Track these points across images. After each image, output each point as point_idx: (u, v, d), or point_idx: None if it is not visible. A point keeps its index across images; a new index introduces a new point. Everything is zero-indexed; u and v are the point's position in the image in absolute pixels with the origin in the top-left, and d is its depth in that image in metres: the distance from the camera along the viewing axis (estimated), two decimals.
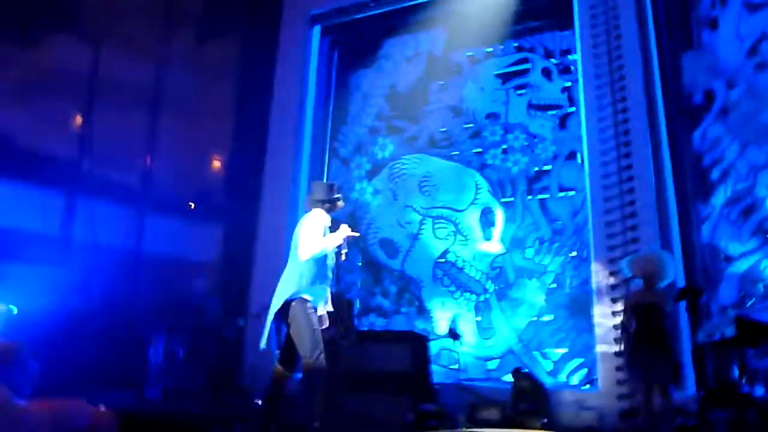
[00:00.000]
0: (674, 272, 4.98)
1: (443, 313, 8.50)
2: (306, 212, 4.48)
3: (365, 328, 8.39)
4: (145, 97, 8.93)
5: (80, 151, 8.12)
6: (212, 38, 9.80)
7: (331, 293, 6.64)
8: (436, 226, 8.91)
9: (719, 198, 7.06)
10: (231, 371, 8.12)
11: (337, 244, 4.30)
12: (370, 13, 9.71)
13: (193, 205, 9.17)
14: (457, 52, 9.42)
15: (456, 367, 7.05)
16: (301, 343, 4.05)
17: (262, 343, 4.17)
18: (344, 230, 4.35)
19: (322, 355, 4.07)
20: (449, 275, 8.63)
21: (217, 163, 9.93)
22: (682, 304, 5.66)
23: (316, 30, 10.10)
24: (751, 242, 6.75)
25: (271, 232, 9.25)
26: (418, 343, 6.94)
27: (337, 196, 4.58)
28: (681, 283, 6.67)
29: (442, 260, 8.74)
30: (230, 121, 9.82)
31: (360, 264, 9.37)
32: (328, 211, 4.49)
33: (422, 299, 8.72)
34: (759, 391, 4.33)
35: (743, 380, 4.70)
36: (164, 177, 9.09)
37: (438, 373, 7.68)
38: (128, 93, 8.50)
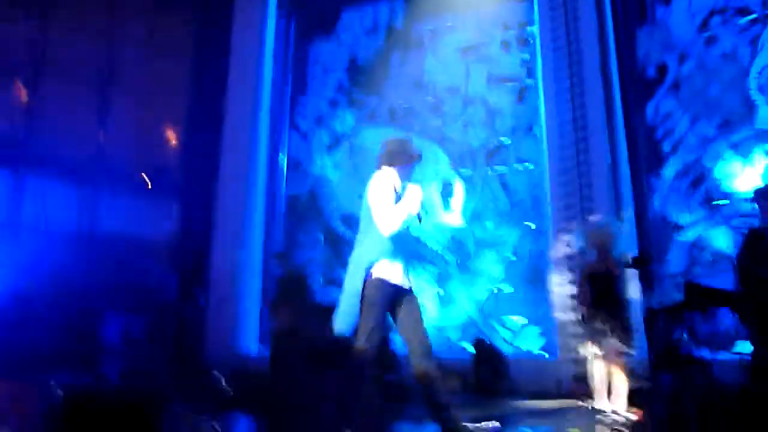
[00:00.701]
0: (626, 241, 5.12)
1: None
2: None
3: (326, 303, 8.39)
4: (96, 73, 8.59)
5: (27, 129, 7.78)
6: (165, 11, 9.44)
7: (289, 271, 6.68)
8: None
9: (670, 170, 7.29)
10: (191, 351, 8.04)
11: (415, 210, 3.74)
12: None
13: (149, 182, 8.94)
14: (418, 25, 9.33)
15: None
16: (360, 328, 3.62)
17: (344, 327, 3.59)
18: (417, 192, 3.83)
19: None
20: (411, 248, 8.67)
21: (172, 139, 9.67)
22: (635, 272, 5.84)
23: (272, 0, 9.85)
24: (699, 212, 7.02)
25: (229, 206, 9.12)
26: None
27: (409, 151, 4.00)
28: (633, 251, 6.90)
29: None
30: (185, 95, 9.54)
31: (321, 239, 9.34)
32: (401, 167, 3.91)
33: None
34: (704, 353, 4.52)
35: (691, 343, 4.89)
36: (117, 154, 8.82)
37: (398, 345, 7.77)
38: (78, 69, 8.16)
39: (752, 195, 4.32)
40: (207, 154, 9.19)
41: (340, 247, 9.15)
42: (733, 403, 3.61)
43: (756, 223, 4.32)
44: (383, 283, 3.55)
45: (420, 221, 3.79)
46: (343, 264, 8.89)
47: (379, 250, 3.57)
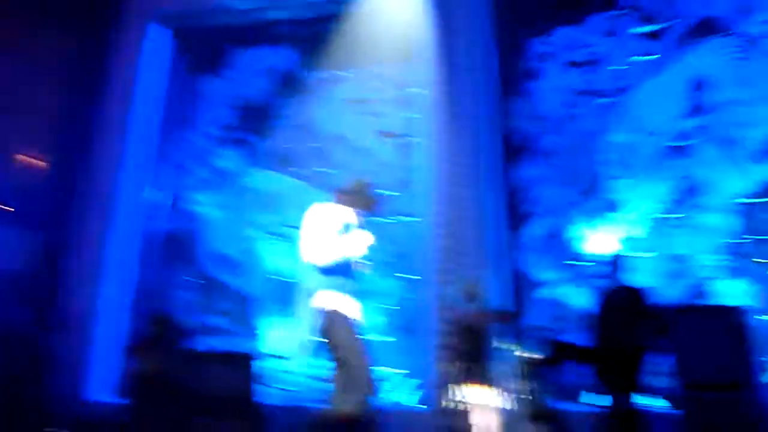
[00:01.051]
0: (494, 296, 5.44)
1: (283, 333, 8.35)
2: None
3: (200, 349, 7.93)
4: None
5: None
6: (40, 29, 8.72)
7: (159, 313, 6.26)
8: (277, 243, 8.78)
9: (533, 230, 7.92)
10: (33, 397, 7.14)
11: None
12: (220, 21, 9.40)
13: (8, 208, 8.02)
14: (310, 72, 9.46)
15: (294, 388, 6.96)
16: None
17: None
18: (369, 238, 3.73)
19: None
20: (292, 295, 8.52)
21: (37, 164, 8.80)
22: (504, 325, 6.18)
23: (158, 30, 9.47)
24: (557, 272, 7.65)
25: (89, 240, 8.41)
26: (254, 364, 6.72)
27: (374, 200, 3.93)
28: (502, 305, 7.33)
29: (284, 279, 8.62)
30: (55, 119, 8.78)
31: (196, 281, 8.88)
32: (353, 206, 3.80)
33: (262, 319, 8.49)
34: (563, 405, 4.84)
35: (551, 395, 5.20)
36: None
37: (274, 396, 7.51)
38: None
39: (607, 258, 4.81)
40: (74, 182, 8.45)
41: (214, 291, 8.75)
42: None
43: (606, 283, 4.79)
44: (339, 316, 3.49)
45: (368, 271, 3.79)
46: (220, 308, 8.58)
47: (318, 281, 3.41)
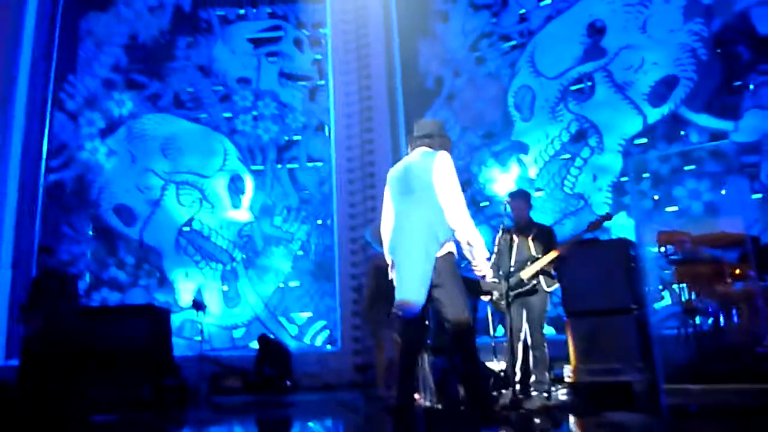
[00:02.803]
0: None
1: (187, 284, 8.12)
2: (420, 152, 3.32)
3: (96, 304, 7.59)
4: None
5: None
6: None
7: (46, 269, 5.86)
8: (181, 192, 8.41)
9: None
10: None
11: None
12: None
13: None
14: (207, 10, 8.89)
15: (200, 338, 6.82)
16: (453, 302, 3.03)
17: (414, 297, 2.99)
18: None
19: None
20: (194, 244, 8.25)
21: None
22: None
23: None
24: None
25: None
26: (158, 316, 6.52)
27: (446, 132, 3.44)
28: None
29: (187, 228, 8.31)
30: None
31: (91, 233, 8.39)
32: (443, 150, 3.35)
33: (164, 270, 8.19)
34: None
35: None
36: None
37: (180, 346, 7.35)
38: None
39: (505, 197, 4.92)
40: None
41: (113, 242, 8.31)
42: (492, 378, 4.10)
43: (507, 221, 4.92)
44: (454, 259, 3.16)
45: None
46: (118, 261, 8.17)
47: (449, 230, 3.08)
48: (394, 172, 3.36)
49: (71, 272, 6.43)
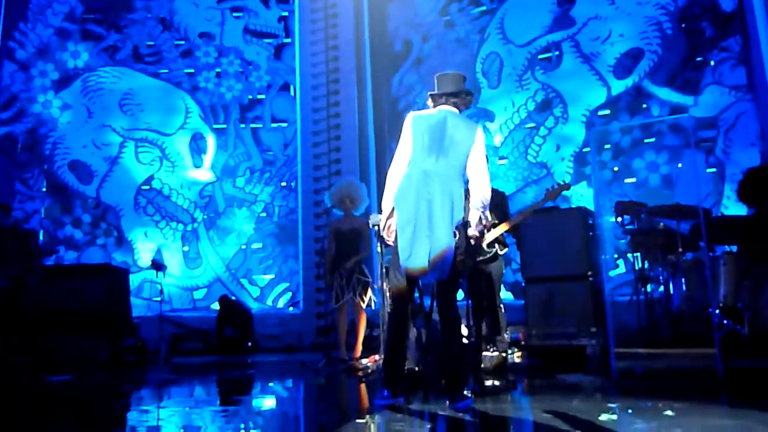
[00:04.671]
0: (368, 200, 5.44)
1: (146, 244, 7.97)
2: (452, 112, 3.06)
3: (51, 263, 7.37)
4: None
5: None
6: None
7: (5, 228, 5.67)
8: (140, 149, 8.17)
9: None
10: None
11: None
12: None
13: None
14: None
15: (159, 299, 6.74)
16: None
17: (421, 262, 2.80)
18: None
19: None
20: (154, 204, 8.07)
21: None
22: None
23: None
24: None
25: None
26: (115, 276, 6.40)
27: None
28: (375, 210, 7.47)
29: (146, 187, 8.11)
30: None
31: (44, 189, 8.10)
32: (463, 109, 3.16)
33: (122, 229, 8.01)
34: (426, 302, 5.06)
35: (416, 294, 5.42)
36: None
37: (139, 307, 7.25)
38: None
39: None
40: None
41: (69, 200, 8.06)
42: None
43: None
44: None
45: None
46: (74, 219, 7.93)
47: (461, 210, 2.96)
48: (426, 122, 3.07)
49: (27, 230, 6.20)
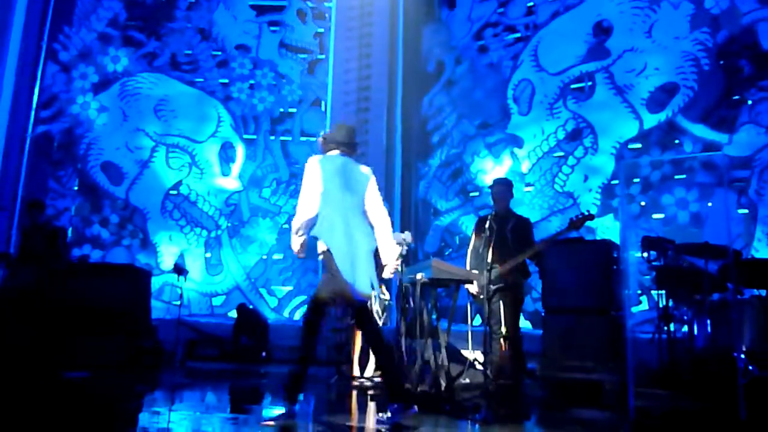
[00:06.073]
0: (389, 220, 5.44)
1: (170, 248, 8.08)
2: (346, 158, 3.55)
3: (81, 262, 7.51)
4: None
5: None
6: None
7: (38, 224, 5.83)
8: (171, 155, 8.33)
9: (436, 160, 8.03)
10: None
11: None
12: None
13: None
14: None
15: (179, 303, 6.81)
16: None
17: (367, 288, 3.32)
18: None
19: None
20: (180, 209, 8.20)
21: None
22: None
23: None
24: (455, 200, 7.87)
25: None
26: (138, 277, 6.49)
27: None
28: (397, 230, 7.47)
29: (174, 192, 8.25)
30: None
31: (76, 188, 8.30)
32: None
33: (147, 232, 8.14)
34: (443, 324, 5.04)
35: (434, 315, 5.40)
36: None
37: (159, 309, 7.33)
38: None
39: (490, 184, 4.92)
40: None
41: (98, 199, 8.23)
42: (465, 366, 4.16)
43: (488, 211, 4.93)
44: None
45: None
46: (102, 219, 8.09)
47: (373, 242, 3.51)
48: (333, 163, 3.51)
49: (58, 228, 6.33)
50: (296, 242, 3.42)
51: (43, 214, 6.25)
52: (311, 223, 3.35)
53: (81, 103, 8.41)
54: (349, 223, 3.35)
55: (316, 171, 3.46)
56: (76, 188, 8.30)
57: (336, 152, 3.58)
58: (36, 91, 8.45)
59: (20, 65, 8.28)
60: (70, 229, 7.96)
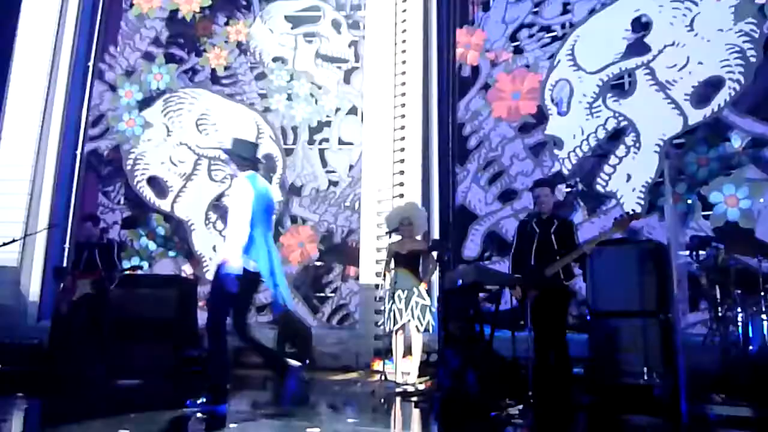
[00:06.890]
0: (427, 224, 5.44)
1: (214, 258, 8.25)
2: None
3: (126, 272, 7.75)
4: None
5: None
6: None
7: (90, 240, 6.07)
8: (213, 167, 8.53)
9: (473, 164, 7.97)
10: None
11: None
12: None
13: None
14: None
15: None
16: None
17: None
18: None
19: None
20: (224, 220, 8.37)
21: None
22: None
23: None
24: (495, 204, 7.79)
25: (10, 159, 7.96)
26: (185, 287, 6.65)
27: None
28: (436, 236, 7.46)
29: (217, 203, 8.44)
30: None
31: (123, 203, 8.58)
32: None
33: (192, 243, 8.34)
34: (486, 330, 4.99)
35: (476, 321, 5.36)
36: None
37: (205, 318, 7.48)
38: None
39: (531, 187, 4.86)
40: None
41: (144, 212, 8.50)
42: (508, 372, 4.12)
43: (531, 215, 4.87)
44: None
45: None
46: (149, 231, 8.34)
47: None
48: (264, 193, 3.79)
49: (111, 242, 6.59)
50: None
51: (98, 228, 6.49)
52: None
53: (126, 120, 8.70)
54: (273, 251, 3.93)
55: (249, 192, 3.74)
56: (123, 203, 8.58)
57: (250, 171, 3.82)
58: (84, 110, 8.80)
59: (70, 86, 8.63)
60: (120, 242, 8.23)
